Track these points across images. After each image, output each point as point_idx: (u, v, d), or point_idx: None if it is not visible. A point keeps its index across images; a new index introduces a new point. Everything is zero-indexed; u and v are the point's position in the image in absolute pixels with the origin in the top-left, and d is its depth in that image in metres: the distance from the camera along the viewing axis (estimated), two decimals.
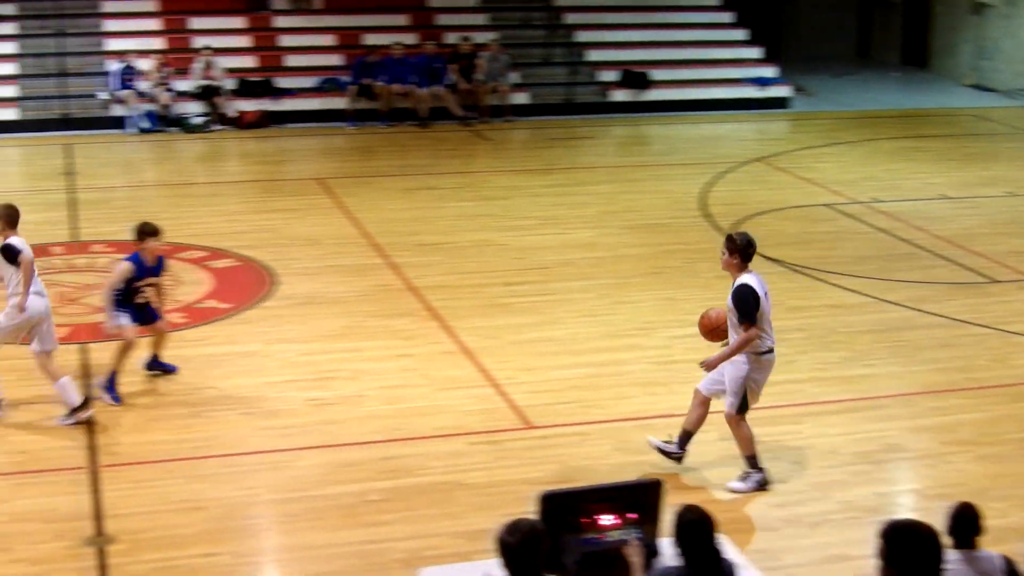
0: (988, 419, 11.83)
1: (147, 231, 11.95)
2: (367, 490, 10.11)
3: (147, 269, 11.95)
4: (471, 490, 10.16)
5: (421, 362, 12.83)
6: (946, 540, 6.40)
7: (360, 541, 9.38)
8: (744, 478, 10.31)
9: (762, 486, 10.28)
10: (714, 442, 10.85)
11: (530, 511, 6.89)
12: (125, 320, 11.81)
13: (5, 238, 11.22)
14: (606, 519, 7.06)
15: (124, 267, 11.82)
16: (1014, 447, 11.27)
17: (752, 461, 10.30)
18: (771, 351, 10.19)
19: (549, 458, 10.76)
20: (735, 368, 10.15)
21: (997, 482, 10.56)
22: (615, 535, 7.02)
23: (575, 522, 7.01)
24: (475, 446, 11.00)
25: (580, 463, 10.66)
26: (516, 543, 6.16)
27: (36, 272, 11.29)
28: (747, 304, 9.91)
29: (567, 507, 7.07)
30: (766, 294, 10.17)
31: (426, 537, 9.39)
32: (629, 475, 10.04)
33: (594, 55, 27.80)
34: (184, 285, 15.08)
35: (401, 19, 27.81)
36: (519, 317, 14.21)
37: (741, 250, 10.02)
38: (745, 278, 10.03)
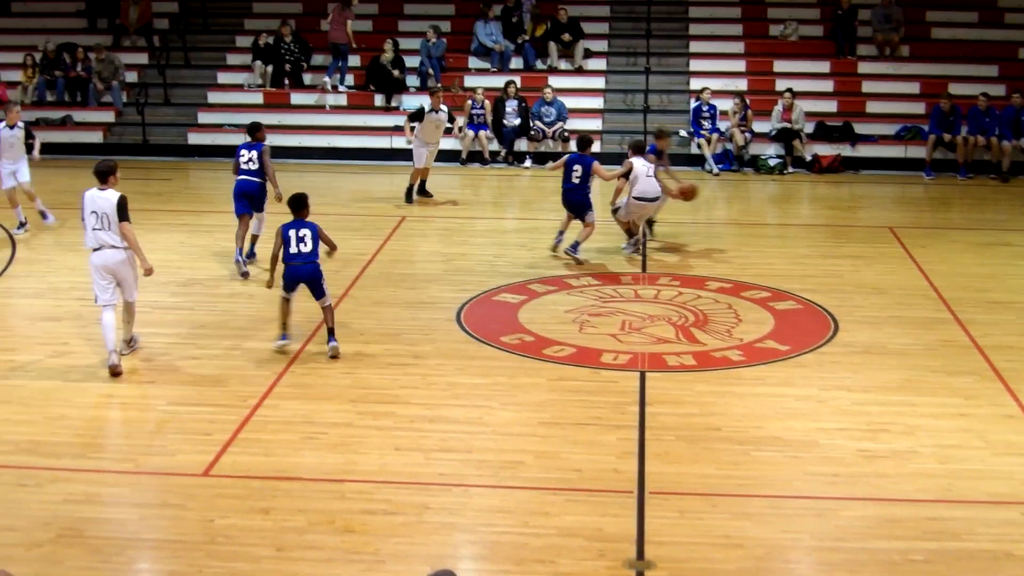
0: None
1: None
2: (911, 548, 9.83)
3: None
4: (1021, 562, 9.69)
5: (980, 423, 12.35)
6: None
7: None
8: None
9: None
10: None
11: None
12: None
13: None
14: None
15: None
16: None
17: None
18: None
19: None
20: None
21: None
22: None
23: None
24: None
25: None
26: None
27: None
28: None
29: None
30: None
31: None
32: None
33: None
34: (745, 324, 15.23)
35: (989, 70, 26.98)
36: None
37: None
38: None
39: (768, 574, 9.57)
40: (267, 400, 12.70)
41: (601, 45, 28.28)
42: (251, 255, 17.48)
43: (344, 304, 15.77)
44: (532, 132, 25.85)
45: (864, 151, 25.50)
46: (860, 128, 25.82)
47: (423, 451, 11.50)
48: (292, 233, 13.82)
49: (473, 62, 28.04)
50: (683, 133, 25.59)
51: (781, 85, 26.32)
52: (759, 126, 25.51)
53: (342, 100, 27.36)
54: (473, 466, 11.22)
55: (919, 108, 26.20)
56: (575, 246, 17.76)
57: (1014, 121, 24.59)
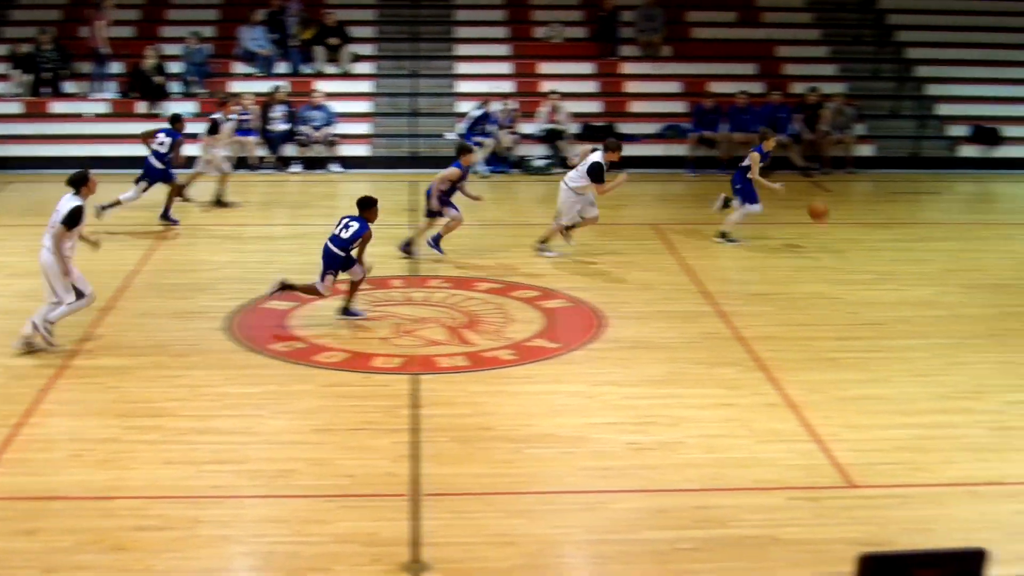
0: None
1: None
2: (680, 538, 10.06)
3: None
4: (786, 546, 9.99)
5: (743, 412, 12.71)
6: None
7: None
8: None
9: None
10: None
11: (846, 572, 6.73)
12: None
13: None
14: None
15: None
16: None
17: None
18: None
19: (869, 519, 10.48)
20: None
21: None
22: None
23: None
24: (793, 501, 10.81)
25: (902, 526, 10.35)
26: None
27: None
28: None
29: (888, 570, 6.86)
30: None
31: None
32: (952, 542, 9.68)
33: (944, 109, 27.15)
34: (515, 323, 15.38)
35: (748, 68, 27.76)
36: (847, 373, 13.93)
37: None
38: None
39: (541, 570, 9.68)
40: (30, 418, 12.33)
41: (369, 49, 28.23)
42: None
43: (109, 317, 15.43)
44: (299, 137, 25.67)
45: (629, 150, 25.92)
46: (624, 128, 26.29)
47: (194, 464, 11.32)
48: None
49: (239, 67, 27.69)
50: (448, 136, 25.69)
51: (547, 87, 26.65)
52: (525, 128, 25.79)
53: (102, 108, 26.74)
54: (246, 477, 11.09)
55: (681, 107, 26.81)
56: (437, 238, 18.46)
57: (773, 118, 25.34)
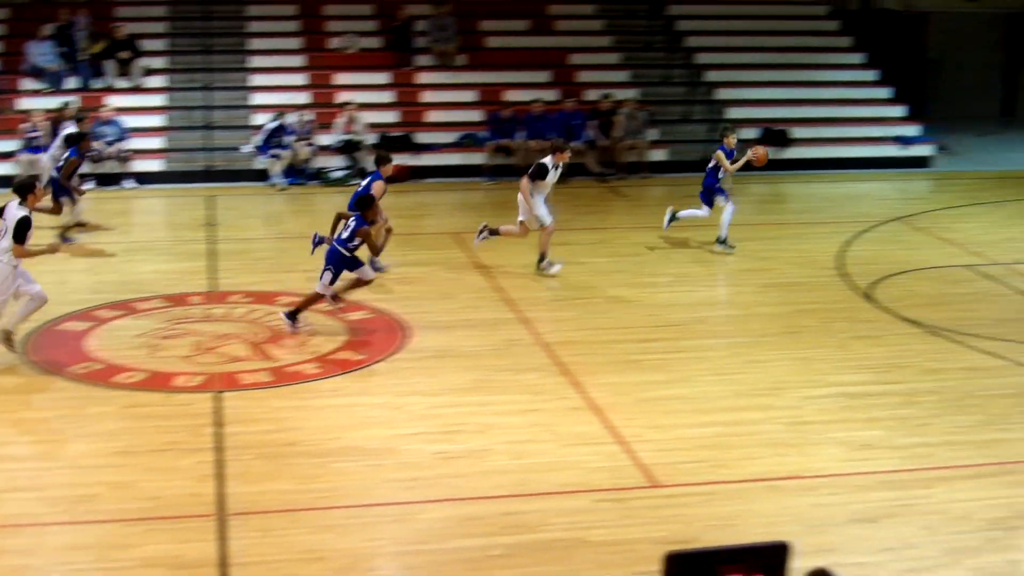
0: None
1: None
2: (490, 545, 10.11)
3: None
4: (594, 548, 10.11)
5: (548, 417, 12.83)
6: None
7: None
8: None
9: None
10: (844, 504, 10.72)
11: (654, 571, 6.83)
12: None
13: None
14: None
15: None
16: None
17: None
18: None
19: (675, 518, 10.67)
20: None
21: None
22: None
23: None
24: (600, 503, 10.95)
25: (706, 523, 10.56)
26: None
27: None
28: None
29: (694, 568, 6.98)
30: None
31: None
32: (756, 537, 9.90)
33: (735, 112, 27.72)
34: (319, 336, 15.27)
35: (542, 76, 28.02)
36: (649, 374, 14.16)
37: None
38: None
39: None
40: None
41: (160, 62, 27.73)
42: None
43: None
44: (91, 153, 25.08)
45: (427, 160, 26.01)
46: (422, 137, 26.32)
47: None
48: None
49: (27, 83, 26.95)
50: (244, 148, 25.40)
51: (343, 97, 26.52)
52: (322, 139, 25.63)
53: None
54: (46, 503, 10.80)
55: (478, 116, 26.93)
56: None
57: (567, 125, 25.61)
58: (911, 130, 28.01)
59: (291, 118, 25.32)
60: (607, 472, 11.54)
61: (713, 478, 11.46)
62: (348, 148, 25.45)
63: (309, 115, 25.65)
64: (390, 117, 26.99)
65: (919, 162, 27.31)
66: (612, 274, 18.41)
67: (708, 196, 19.76)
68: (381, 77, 27.84)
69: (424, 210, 23.56)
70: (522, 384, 13.77)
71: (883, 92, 29.18)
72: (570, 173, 25.17)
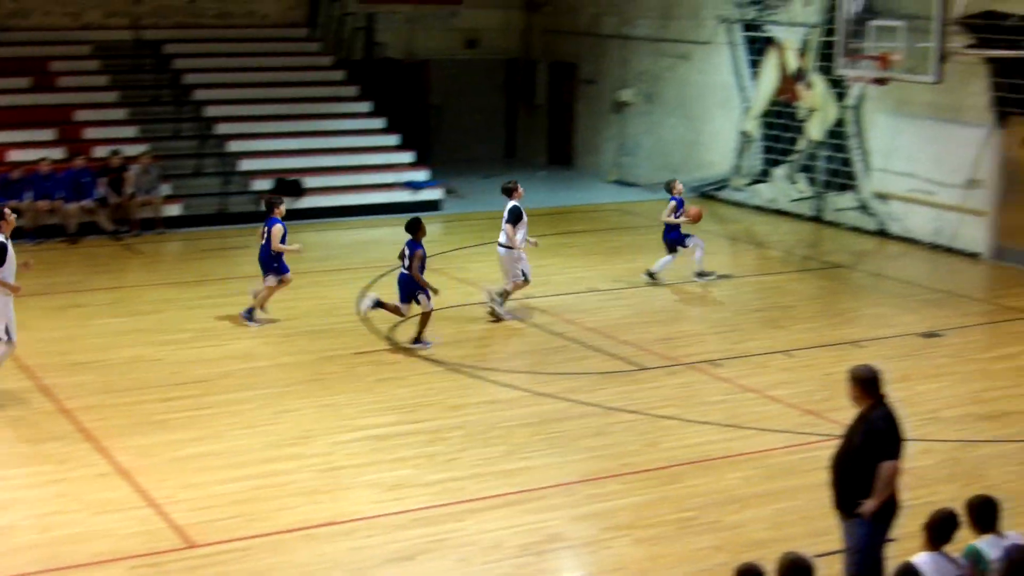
0: (644, 502, 12.24)
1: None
2: None
3: None
4: None
5: (75, 486, 12.42)
6: None
7: None
8: None
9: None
10: (381, 545, 10.88)
11: None
12: None
13: None
14: None
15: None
16: (670, 528, 11.67)
17: None
18: None
19: None
20: None
21: (656, 563, 10.93)
22: None
23: None
24: (136, 570, 10.69)
25: None
26: None
27: None
28: None
29: None
30: None
31: None
32: None
33: (247, 164, 27.70)
34: None
35: (47, 134, 27.11)
36: (178, 433, 13.94)
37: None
38: None
39: None
40: None
41: None
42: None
43: None
44: None
45: None
46: None
47: None
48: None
49: None
50: None
51: None
52: None
53: None
54: None
55: None
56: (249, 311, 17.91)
57: (76, 183, 24.89)
58: (420, 175, 28.81)
59: None
60: (141, 537, 11.29)
61: (249, 532, 11.41)
62: None
63: None
64: None
65: (430, 206, 28.08)
66: (132, 333, 18.00)
67: (677, 242, 20.95)
68: None
69: None
70: (44, 454, 13.28)
71: (391, 139, 29.88)
72: (83, 232, 24.54)
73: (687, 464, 13.23)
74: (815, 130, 27.02)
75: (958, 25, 21.43)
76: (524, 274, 18.93)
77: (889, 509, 9.29)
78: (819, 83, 26.72)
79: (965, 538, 8.55)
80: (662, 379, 16.18)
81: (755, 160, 28.58)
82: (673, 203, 20.82)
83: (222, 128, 28.64)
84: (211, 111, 28.97)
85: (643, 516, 11.92)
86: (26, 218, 24.54)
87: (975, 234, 23.62)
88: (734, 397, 15.47)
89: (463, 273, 21.75)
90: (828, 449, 9.90)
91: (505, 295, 18.91)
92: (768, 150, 28.24)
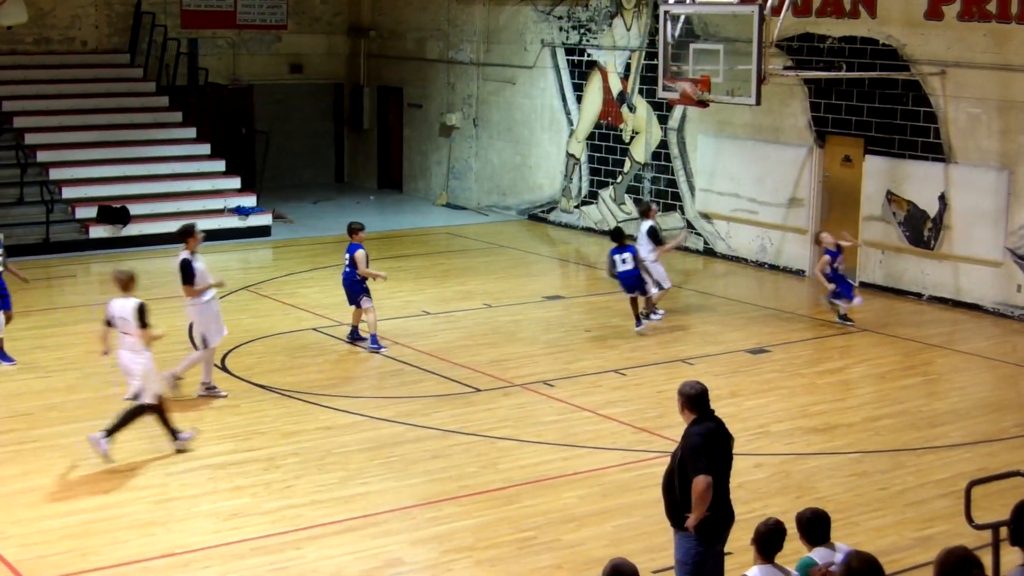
0: (483, 524, 12.28)
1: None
2: None
3: None
4: None
5: None
6: None
7: None
8: None
9: None
10: None
11: None
12: None
13: None
14: None
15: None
16: (509, 548, 11.73)
17: None
18: None
19: None
20: None
21: None
22: None
23: None
24: None
25: None
26: None
27: None
28: None
29: None
30: None
31: None
32: None
33: (70, 192, 27.17)
34: None
35: None
36: (4, 468, 13.61)
37: None
38: None
39: None
40: None
41: None
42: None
43: None
44: None
45: None
46: None
47: None
48: (617, 257, 19.27)
49: None
50: None
51: None
52: None
53: None
54: None
55: None
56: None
57: None
58: (248, 201, 28.55)
59: None
60: None
61: (84, 567, 11.20)
62: None
63: None
64: None
65: (260, 231, 27.88)
66: None
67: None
68: None
69: None
70: None
71: (216, 165, 29.59)
72: None
73: (524, 484, 13.31)
74: (639, 152, 27.44)
75: (777, 48, 21.94)
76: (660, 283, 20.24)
77: (715, 522, 9.41)
78: (642, 106, 27.17)
79: (798, 550, 8.73)
80: (497, 400, 16.26)
81: (583, 182, 28.91)
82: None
83: (43, 156, 28.04)
84: (31, 139, 28.36)
85: (483, 537, 11.96)
86: None
87: (798, 252, 24.20)
88: (568, 417, 15.63)
89: (293, 299, 21.61)
90: (662, 466, 10.02)
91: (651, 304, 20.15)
92: (595, 172, 28.58)
